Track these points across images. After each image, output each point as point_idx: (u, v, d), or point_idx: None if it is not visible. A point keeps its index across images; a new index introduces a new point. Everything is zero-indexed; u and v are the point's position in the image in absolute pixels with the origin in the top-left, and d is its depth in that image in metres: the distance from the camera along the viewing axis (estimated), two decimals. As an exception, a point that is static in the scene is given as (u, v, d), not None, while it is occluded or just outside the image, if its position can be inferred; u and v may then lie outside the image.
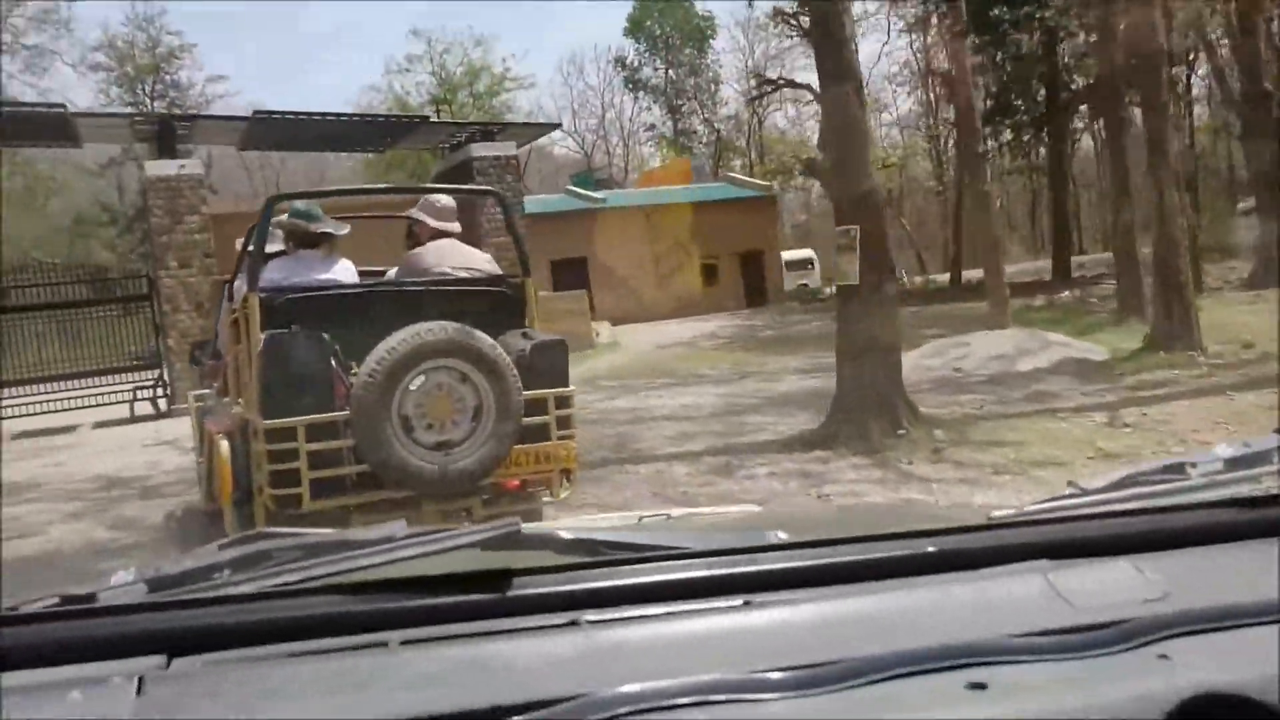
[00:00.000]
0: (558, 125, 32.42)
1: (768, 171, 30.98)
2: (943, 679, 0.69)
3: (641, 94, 54.87)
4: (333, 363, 4.07)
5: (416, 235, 4.88)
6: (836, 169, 7.50)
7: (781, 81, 35.35)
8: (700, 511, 2.04)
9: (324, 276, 4.60)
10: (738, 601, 0.82)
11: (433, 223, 4.80)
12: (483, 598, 0.82)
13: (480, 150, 17.17)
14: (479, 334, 4.01)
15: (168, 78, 43.04)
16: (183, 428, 11.89)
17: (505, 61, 47.95)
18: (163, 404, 15.62)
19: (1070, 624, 0.75)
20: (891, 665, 0.69)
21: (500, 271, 4.87)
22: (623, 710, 0.65)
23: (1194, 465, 1.06)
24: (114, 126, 16.77)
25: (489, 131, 17.63)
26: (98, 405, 16.19)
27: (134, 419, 15.57)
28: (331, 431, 3.97)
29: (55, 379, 16.51)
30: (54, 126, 15.34)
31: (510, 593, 0.82)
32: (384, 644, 0.76)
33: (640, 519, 1.58)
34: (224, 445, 4.30)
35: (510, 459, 4.11)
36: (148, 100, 41.98)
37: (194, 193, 15.32)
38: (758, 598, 0.82)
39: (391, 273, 4.99)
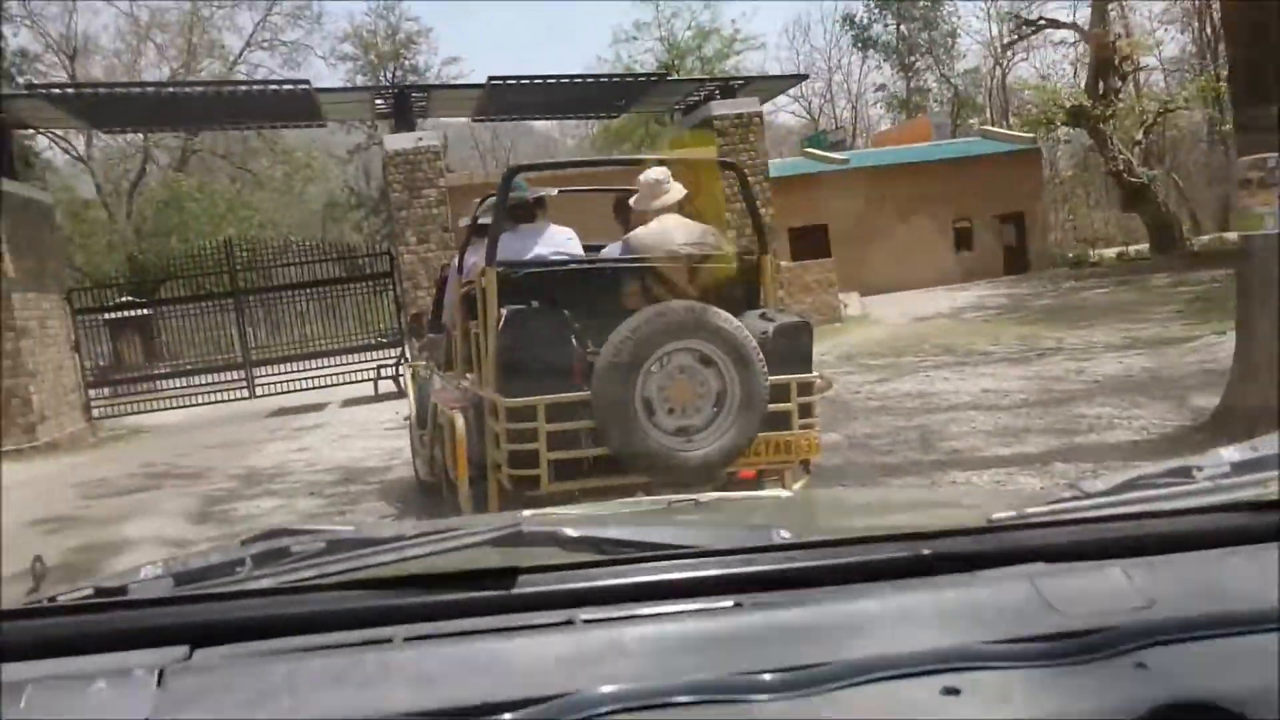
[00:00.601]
0: (805, 77, 30.41)
1: (1026, 123, 27.80)
2: (919, 684, 0.70)
3: (871, 52, 51.85)
4: (574, 342, 4.01)
5: (640, 208, 4.67)
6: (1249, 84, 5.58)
7: (1043, 21, 31.88)
8: (729, 496, 2.06)
9: (552, 250, 4.57)
10: (729, 602, 0.83)
11: (649, 200, 4.61)
12: (484, 595, 0.85)
13: (721, 108, 15.84)
14: (725, 315, 3.90)
15: (406, 62, 44.48)
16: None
17: (734, 23, 46.19)
18: (404, 382, 15.40)
19: (1053, 630, 0.75)
20: (870, 669, 0.70)
21: (730, 246, 4.70)
22: (609, 709, 0.67)
23: (1199, 469, 1.03)
24: (354, 101, 16.71)
25: (730, 87, 16.25)
26: (345, 383, 16.25)
27: (378, 397, 15.45)
28: (570, 412, 3.89)
29: (307, 357, 16.73)
30: (300, 104, 15.35)
31: (511, 590, 0.85)
32: (388, 640, 0.79)
33: (669, 504, 1.56)
34: (459, 422, 4.18)
35: (750, 448, 3.99)
36: (380, 97, 43.42)
37: (431, 165, 14.91)
38: (750, 598, 0.84)
39: (613, 248, 4.77)
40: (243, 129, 19.68)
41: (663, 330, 3.82)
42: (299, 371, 16.41)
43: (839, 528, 1.50)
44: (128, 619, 0.84)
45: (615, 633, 0.78)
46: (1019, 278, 24.13)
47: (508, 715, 0.68)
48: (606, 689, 0.68)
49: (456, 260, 5.25)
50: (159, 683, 0.73)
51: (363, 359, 16.73)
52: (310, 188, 44.32)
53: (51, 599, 0.95)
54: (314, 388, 16.34)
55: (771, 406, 4.01)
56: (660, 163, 4.79)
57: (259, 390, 16.33)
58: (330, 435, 11.56)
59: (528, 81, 15.03)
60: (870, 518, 1.67)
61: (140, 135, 36.58)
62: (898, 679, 0.70)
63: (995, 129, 31.78)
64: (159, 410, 16.19)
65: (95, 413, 15.91)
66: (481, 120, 17.76)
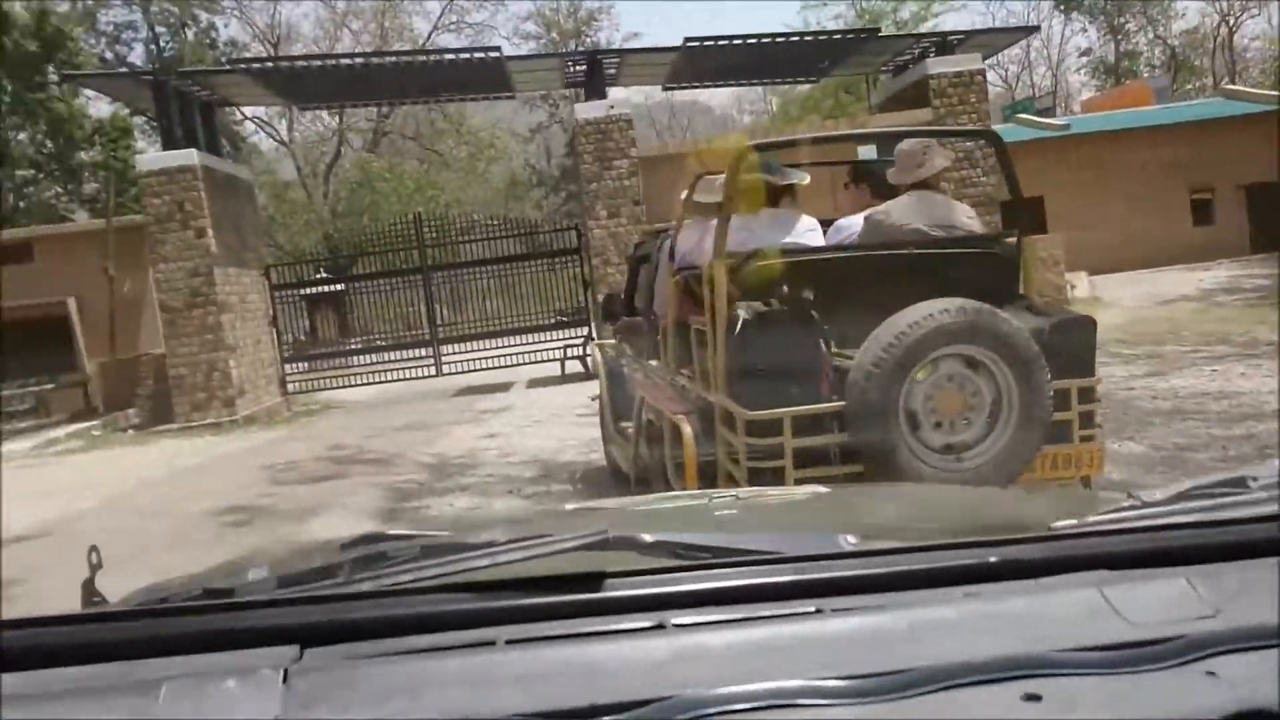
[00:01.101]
0: (1035, 29, 27.71)
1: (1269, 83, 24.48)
2: (1000, 690, 0.71)
3: (1075, 15, 47.77)
4: (821, 345, 3.66)
5: (898, 181, 4.22)
6: None
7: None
8: (767, 491, 2.09)
9: (791, 239, 4.12)
10: (810, 608, 0.85)
11: (909, 172, 4.19)
12: (578, 598, 0.87)
13: (938, 66, 14.30)
14: (1002, 315, 3.48)
15: (588, 39, 44.21)
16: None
17: (931, -17, 43.50)
18: (593, 363, 14.75)
19: (1123, 639, 0.76)
20: (952, 675, 0.71)
21: (983, 229, 4.35)
22: (707, 712, 0.69)
23: (1254, 479, 1.04)
24: (544, 70, 16.13)
25: (948, 43, 14.66)
26: (531, 363, 15.78)
27: (564, 378, 14.87)
28: (818, 426, 3.52)
29: (492, 335, 16.36)
30: (490, 75, 14.88)
31: (602, 594, 0.88)
32: (491, 642, 0.81)
33: (710, 499, 1.58)
34: (687, 430, 3.78)
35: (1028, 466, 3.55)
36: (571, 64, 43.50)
37: (623, 135, 14.11)
38: (829, 603, 0.86)
39: (846, 225, 4.38)
40: (434, 102, 19.54)
41: (933, 333, 3.37)
42: (485, 350, 16.05)
43: (896, 529, 1.56)
44: (239, 619, 0.87)
45: (704, 637, 0.81)
46: (1266, 256, 21.22)
47: (612, 718, 0.70)
48: (706, 692, 0.71)
49: (668, 243, 4.70)
50: (284, 681, 0.75)
51: (548, 339, 16.22)
52: (493, 167, 45.04)
53: (163, 600, 1.04)
54: (499, 367, 15.95)
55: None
56: (922, 134, 4.37)
57: (445, 369, 16.08)
58: (520, 419, 10.96)
59: (725, 42, 13.98)
60: (919, 516, 1.70)
61: (336, 119, 38.52)
62: (977, 685, 0.71)
63: (1240, 89, 28.29)
64: (350, 386, 16.20)
65: (290, 387, 16.08)
66: (673, 88, 16.86)
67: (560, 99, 43.35)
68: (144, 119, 28.34)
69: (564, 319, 16.29)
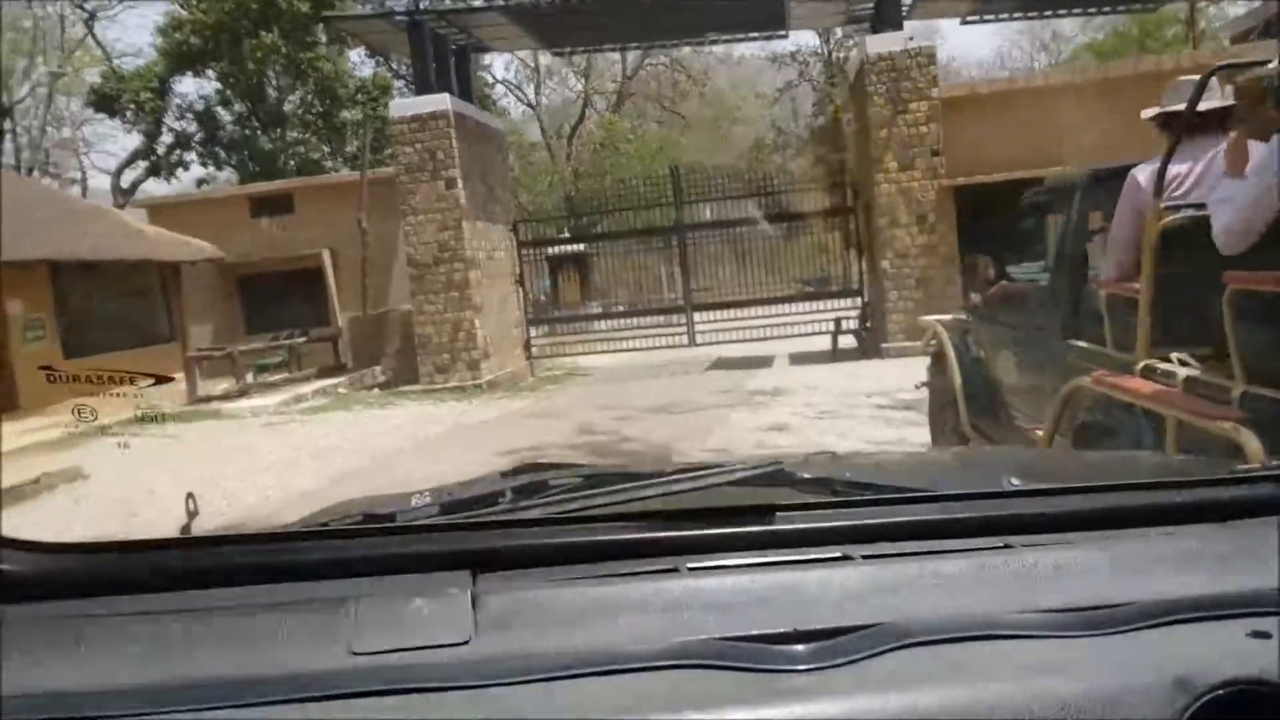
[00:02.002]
0: None
1: None
2: (1225, 626, 0.71)
3: None
4: None
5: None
6: None
7: None
8: (864, 452, 2.39)
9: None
10: (998, 543, 0.85)
11: None
12: (759, 529, 0.88)
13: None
14: None
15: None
16: (895, 377, 8.71)
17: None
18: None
19: None
20: (1174, 610, 0.71)
21: None
22: (917, 640, 0.70)
23: None
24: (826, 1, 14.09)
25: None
26: (795, 335, 13.98)
27: (834, 356, 13.00)
28: None
29: (750, 304, 14.69)
30: (765, 10, 13.08)
31: (783, 526, 0.89)
32: (675, 569, 0.83)
33: (806, 457, 1.44)
34: (1252, 445, 2.57)
35: None
36: None
37: (923, 72, 11.96)
38: (1018, 540, 0.85)
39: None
40: (698, 44, 17.87)
41: None
42: (742, 320, 14.40)
43: (1073, 473, 1.55)
44: (407, 542, 0.89)
45: (895, 569, 0.80)
46: None
47: (815, 644, 0.71)
48: (912, 620, 0.71)
49: (1149, 175, 3.41)
50: (473, 604, 0.77)
51: (815, 309, 14.36)
52: (737, 129, 43.45)
53: (324, 523, 1.05)
54: (759, 339, 14.26)
55: None
56: None
57: (699, 338, 14.58)
58: (804, 407, 9.20)
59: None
60: (1052, 471, 1.67)
61: (581, 81, 38.22)
62: (1200, 621, 0.71)
63: None
64: (595, 353, 15.05)
65: (533, 351, 15.14)
66: (974, 21, 14.41)
67: (811, 57, 41.31)
68: (403, 82, 28.71)
69: (834, 288, 14.34)
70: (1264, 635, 0.68)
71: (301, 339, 14.62)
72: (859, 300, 13.88)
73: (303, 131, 29.60)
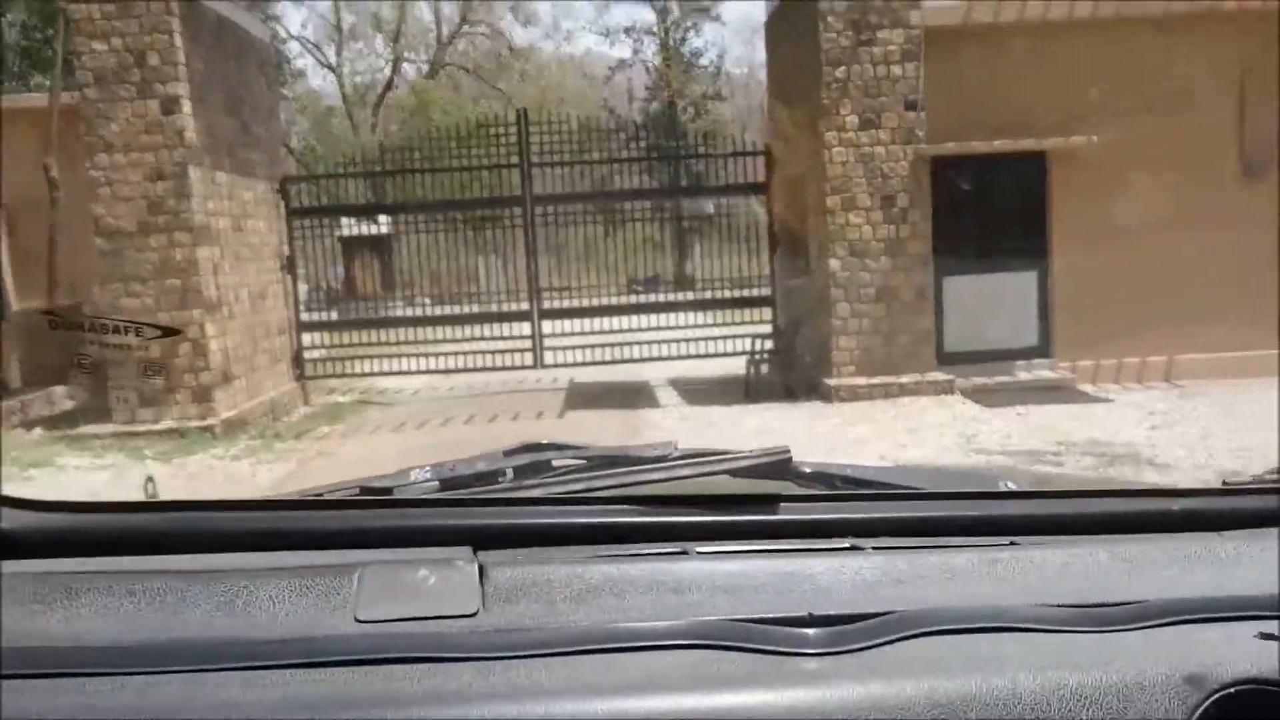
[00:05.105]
0: None
1: None
2: (1234, 627, 0.72)
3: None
4: None
5: None
6: None
7: None
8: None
9: None
10: (1004, 540, 0.86)
11: None
12: (766, 517, 0.89)
13: None
14: None
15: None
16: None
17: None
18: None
19: None
20: (1184, 610, 0.73)
21: None
22: (932, 629, 0.71)
23: None
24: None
25: None
26: (678, 357, 9.98)
27: (751, 393, 9.10)
28: None
29: (617, 311, 10.54)
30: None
31: (791, 515, 0.90)
32: (684, 552, 0.83)
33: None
34: None
35: None
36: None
37: (901, -15, 8.19)
38: (1024, 539, 0.86)
39: None
40: None
41: None
42: (609, 332, 10.26)
43: (1052, 478, 1.56)
44: (407, 516, 0.89)
45: (905, 560, 0.80)
46: None
47: (830, 629, 0.71)
48: (928, 608, 0.71)
49: None
50: (480, 577, 0.76)
51: (710, 322, 10.45)
52: (564, 109, 39.80)
53: (319, 495, 1.02)
54: (631, 360, 10.15)
55: None
56: None
57: (549, 355, 10.31)
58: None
59: None
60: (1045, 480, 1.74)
61: (391, 46, 34.57)
62: (1209, 622, 0.72)
63: None
64: (403, 374, 10.52)
65: (310, 368, 10.44)
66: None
67: (644, 33, 38.06)
68: None
69: (742, 294, 10.41)
70: (1272, 637, 0.70)
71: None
72: (770, 313, 10.03)
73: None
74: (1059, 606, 0.74)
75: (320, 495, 1.02)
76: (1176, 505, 0.95)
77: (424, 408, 9.79)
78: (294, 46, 34.23)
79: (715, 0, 35.85)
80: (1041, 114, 8.34)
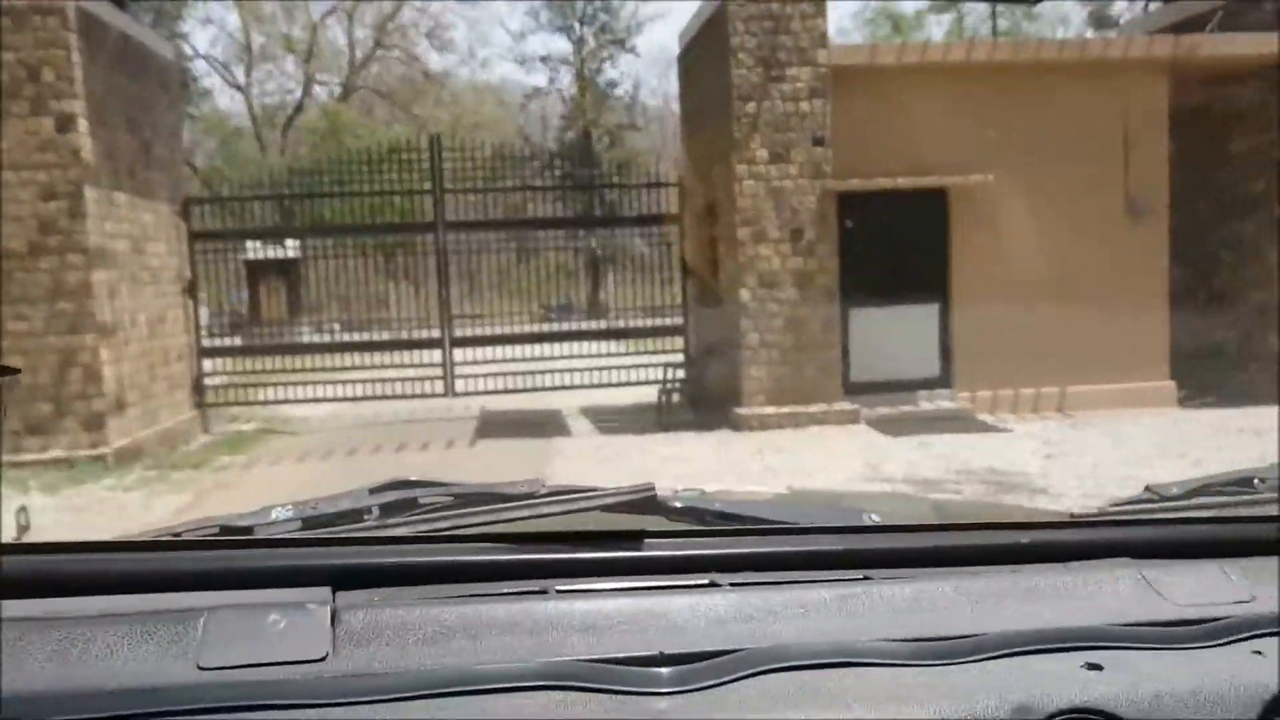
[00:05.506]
0: None
1: None
2: (1063, 658, 0.76)
3: None
4: None
5: None
6: None
7: None
8: (733, 489, 2.14)
9: None
10: (857, 575, 0.88)
11: None
12: (629, 555, 0.89)
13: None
14: None
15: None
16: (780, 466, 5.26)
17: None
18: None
19: (1168, 617, 0.82)
20: (1019, 642, 0.76)
21: None
22: (778, 666, 0.72)
23: (1262, 480, 1.09)
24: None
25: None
26: (594, 385, 9.99)
27: (664, 422, 9.13)
28: None
29: (532, 340, 10.50)
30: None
31: (653, 552, 0.90)
32: (543, 591, 0.83)
33: (675, 491, 1.41)
34: None
35: None
36: None
37: (808, 28, 8.44)
38: (877, 573, 0.89)
39: None
40: None
41: None
42: (522, 360, 10.22)
43: (926, 515, 1.64)
44: (265, 556, 0.86)
45: (761, 597, 0.82)
46: None
47: (681, 667, 0.72)
48: (776, 645, 0.73)
49: None
50: (332, 620, 0.74)
51: (621, 351, 10.49)
52: (479, 135, 39.63)
53: (176, 534, 1.00)
54: (549, 388, 10.12)
55: None
56: None
57: (461, 384, 10.21)
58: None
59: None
60: (935, 513, 1.78)
61: (302, 68, 34.05)
62: (1043, 653, 0.75)
63: None
64: (309, 401, 10.27)
65: (211, 395, 10.12)
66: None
67: (560, 63, 38.22)
68: None
69: (655, 323, 10.48)
70: (1097, 667, 0.73)
71: None
72: (682, 342, 10.13)
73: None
74: (903, 641, 0.76)
75: (177, 535, 1.00)
76: (1026, 538, 0.97)
77: (331, 437, 9.58)
78: (201, 65, 33.56)
79: (630, 34, 36.42)
80: (943, 153, 8.64)
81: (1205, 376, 9.37)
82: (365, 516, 1.01)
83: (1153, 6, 11.67)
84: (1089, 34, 25.88)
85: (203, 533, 1.00)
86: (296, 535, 0.96)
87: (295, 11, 34.90)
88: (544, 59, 38.89)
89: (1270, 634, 0.80)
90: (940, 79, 8.72)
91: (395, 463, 8.05)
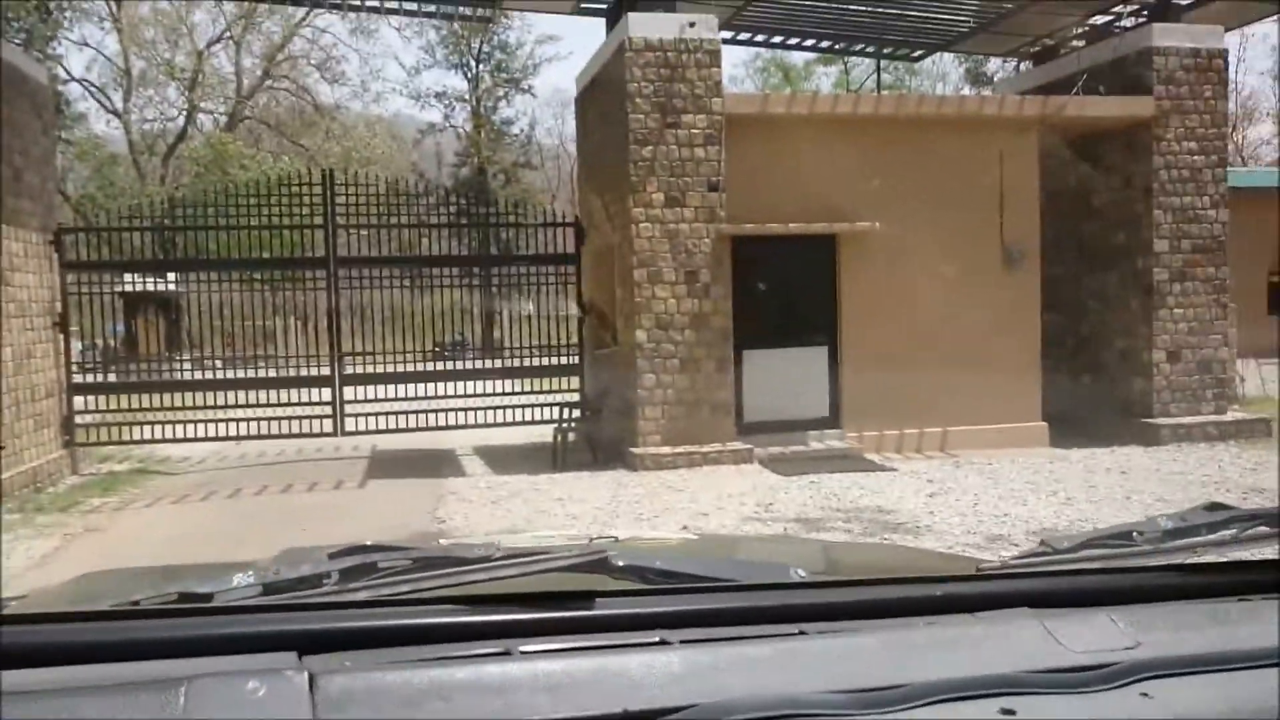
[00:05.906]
0: None
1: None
2: (981, 704, 0.80)
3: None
4: None
5: None
6: None
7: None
8: (642, 537, 2.39)
9: None
10: (794, 629, 0.94)
11: None
12: (584, 614, 0.93)
13: (1167, 38, 9.56)
14: None
15: None
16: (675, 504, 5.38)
17: None
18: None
19: (1067, 664, 0.88)
20: (942, 690, 0.81)
21: None
22: (732, 719, 0.75)
23: (1140, 533, 1.19)
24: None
25: (1173, 3, 9.91)
26: (485, 425, 9.88)
27: (560, 461, 9.08)
28: None
29: (424, 378, 10.34)
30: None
31: (607, 611, 0.94)
32: (507, 652, 0.86)
33: (590, 539, 1.55)
34: None
35: None
36: None
37: (704, 75, 8.65)
38: (811, 627, 0.95)
39: None
40: (367, 10, 12.96)
41: None
42: (413, 400, 10.05)
43: (848, 567, 1.73)
44: (227, 623, 0.87)
45: (708, 653, 0.86)
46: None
47: None
48: (727, 700, 0.76)
49: None
50: (310, 685, 0.75)
51: (516, 390, 10.42)
52: (371, 169, 38.94)
53: (135, 603, 1.00)
54: (439, 427, 9.97)
55: None
56: None
57: (351, 423, 9.97)
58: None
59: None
60: (853, 563, 1.89)
61: (185, 94, 32.93)
62: (963, 700, 0.80)
63: None
64: (188, 440, 9.86)
65: (81, 435, 9.62)
66: (734, 40, 11.47)
67: (455, 100, 38.03)
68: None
69: (551, 362, 10.44)
70: (1011, 712, 0.78)
71: None
72: (578, 381, 10.14)
73: None
74: (840, 692, 0.80)
75: (137, 604, 1.00)
76: (939, 590, 1.04)
77: (212, 477, 9.21)
78: (76, 89, 32.17)
79: (526, 74, 36.57)
80: (832, 200, 8.94)
81: (1075, 418, 9.87)
82: (325, 581, 1.03)
83: (1024, 66, 12.35)
84: (966, 90, 27.25)
85: (162, 600, 1.00)
86: (260, 601, 0.97)
87: (179, 39, 33.90)
88: (439, 95, 38.75)
89: (1155, 676, 0.86)
90: (829, 129, 9.05)
91: (281, 504, 7.78)
